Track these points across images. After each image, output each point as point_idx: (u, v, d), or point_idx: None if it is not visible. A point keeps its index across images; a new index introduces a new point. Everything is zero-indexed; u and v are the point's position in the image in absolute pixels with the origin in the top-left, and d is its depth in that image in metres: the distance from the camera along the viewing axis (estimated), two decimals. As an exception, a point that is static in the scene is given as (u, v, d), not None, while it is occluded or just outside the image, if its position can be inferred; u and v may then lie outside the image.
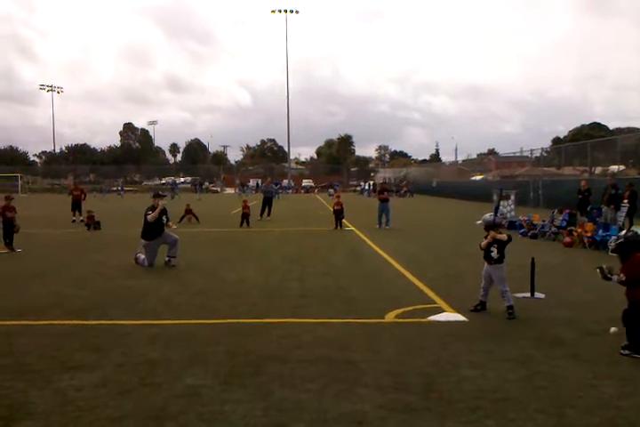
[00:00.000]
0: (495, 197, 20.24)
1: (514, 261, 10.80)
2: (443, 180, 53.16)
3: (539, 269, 7.62)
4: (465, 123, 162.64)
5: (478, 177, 46.91)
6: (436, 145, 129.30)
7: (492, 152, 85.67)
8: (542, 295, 7.53)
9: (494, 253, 6.55)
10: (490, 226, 6.66)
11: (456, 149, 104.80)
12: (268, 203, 22.84)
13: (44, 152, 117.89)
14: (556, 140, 70.11)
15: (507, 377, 4.50)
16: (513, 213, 20.82)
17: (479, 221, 6.98)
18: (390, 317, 6.46)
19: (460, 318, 6.43)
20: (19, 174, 72.38)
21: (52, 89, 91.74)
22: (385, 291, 8.08)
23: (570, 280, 9.01)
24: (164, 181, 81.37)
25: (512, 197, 21.91)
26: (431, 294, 7.71)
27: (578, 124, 76.40)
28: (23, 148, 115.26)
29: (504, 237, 6.52)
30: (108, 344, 5.44)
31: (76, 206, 20.99)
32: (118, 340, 5.60)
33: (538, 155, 33.88)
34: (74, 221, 20.45)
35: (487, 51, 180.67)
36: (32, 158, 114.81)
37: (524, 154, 38.26)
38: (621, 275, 5.13)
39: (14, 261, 11.34)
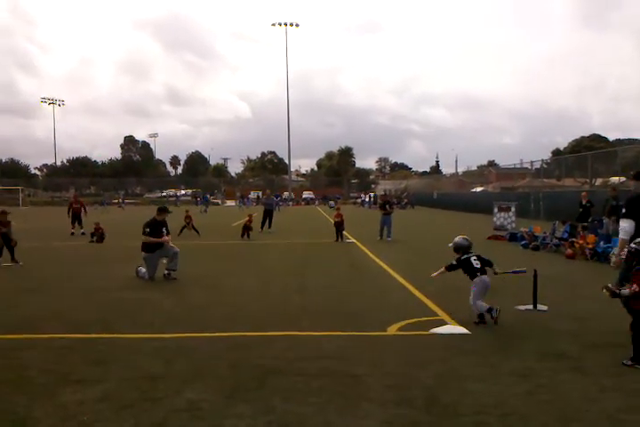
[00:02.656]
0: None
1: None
2: (443, 191, 53.24)
3: (541, 281, 7.60)
4: (464, 134, 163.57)
5: (479, 189, 47.01)
6: (436, 157, 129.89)
7: (492, 164, 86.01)
8: (545, 308, 7.50)
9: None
10: (458, 248, 7.03)
11: (456, 161, 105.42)
12: (268, 215, 22.86)
13: (44, 165, 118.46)
14: (557, 152, 70.26)
15: (511, 391, 4.47)
16: (514, 225, 20.83)
17: (450, 244, 7.06)
18: (392, 329, 6.44)
19: (462, 330, 6.40)
20: (20, 187, 72.59)
21: (53, 102, 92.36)
22: (387, 303, 8.05)
23: (573, 292, 8.98)
24: (164, 194, 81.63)
25: (512, 209, 21.93)
26: (433, 307, 7.69)
27: (577, 136, 76.58)
28: (24, 160, 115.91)
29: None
30: (110, 358, 5.41)
31: (76, 219, 20.99)
32: (119, 353, 5.57)
33: (538, 166, 33.97)
34: (72, 233, 20.45)
35: (486, 62, 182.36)
36: (33, 171, 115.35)
37: (524, 165, 38.40)
38: (634, 286, 4.93)
39: (15, 274, 11.32)
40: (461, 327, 6.49)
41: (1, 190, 79.61)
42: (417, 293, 8.80)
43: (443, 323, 6.72)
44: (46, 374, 4.91)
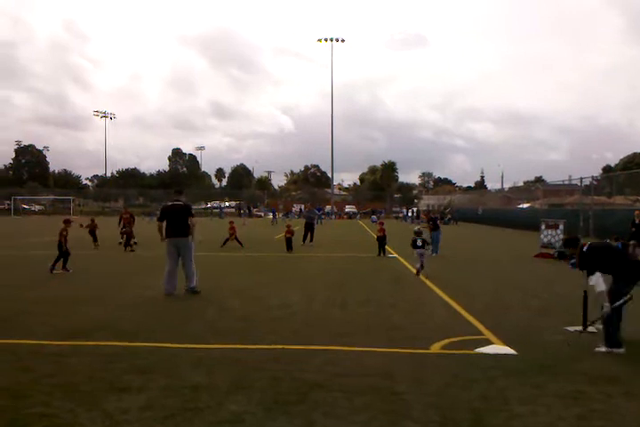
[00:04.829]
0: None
1: (564, 293, 10.49)
2: (488, 207, 52.34)
3: (591, 301, 7.34)
4: (510, 150, 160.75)
5: (525, 205, 46.01)
6: (481, 172, 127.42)
7: (539, 180, 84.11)
8: (595, 329, 7.23)
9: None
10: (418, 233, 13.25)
11: (502, 176, 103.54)
12: (309, 228, 22.94)
13: (95, 176, 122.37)
14: (607, 169, 68.33)
15: (559, 414, 4.30)
16: (561, 243, 20.24)
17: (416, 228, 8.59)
18: (436, 347, 6.32)
19: (508, 350, 6.23)
20: (71, 197, 75.14)
21: (105, 115, 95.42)
22: (430, 320, 7.92)
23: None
24: (209, 206, 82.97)
25: (560, 227, 21.35)
26: (478, 325, 7.52)
27: (628, 152, 74.40)
28: (76, 171, 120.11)
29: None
30: (154, 367, 5.49)
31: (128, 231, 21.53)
32: (163, 362, 5.65)
33: (587, 183, 33.03)
34: (120, 243, 20.89)
35: (532, 76, 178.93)
36: (84, 182, 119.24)
37: (573, 182, 37.40)
38: None
39: (65, 282, 11.66)
40: (507, 347, 6.32)
41: (54, 200, 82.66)
42: (461, 310, 8.63)
43: (488, 342, 6.56)
44: (93, 381, 5.01)
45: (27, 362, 5.64)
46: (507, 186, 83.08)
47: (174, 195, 10.71)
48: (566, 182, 40.10)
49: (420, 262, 13.01)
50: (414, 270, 13.45)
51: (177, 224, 10.15)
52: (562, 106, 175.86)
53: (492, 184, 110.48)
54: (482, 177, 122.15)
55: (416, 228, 14.20)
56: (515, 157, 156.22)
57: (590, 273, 6.43)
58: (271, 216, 55.49)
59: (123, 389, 4.81)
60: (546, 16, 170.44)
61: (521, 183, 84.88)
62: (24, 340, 6.53)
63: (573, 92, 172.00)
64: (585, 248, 6.57)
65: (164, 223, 10.29)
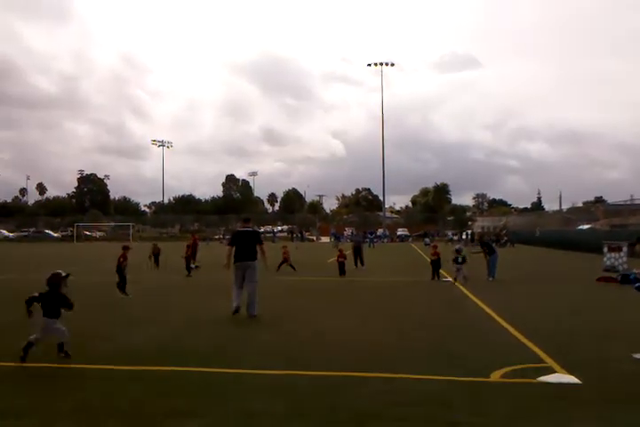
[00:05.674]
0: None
1: (630, 318, 10.03)
2: (546, 229, 50.79)
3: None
4: (567, 169, 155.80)
5: (585, 226, 44.43)
6: (538, 193, 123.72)
7: (599, 200, 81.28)
8: (666, 358, 6.86)
9: None
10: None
11: (560, 197, 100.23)
12: (357, 252, 22.90)
13: (153, 202, 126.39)
14: (672, 187, 65.28)
15: (631, 450, 4.09)
16: (626, 266, 19.42)
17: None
18: (496, 375, 6.13)
19: (573, 379, 5.97)
20: (131, 224, 77.74)
21: (162, 144, 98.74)
22: (488, 347, 7.71)
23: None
24: (262, 230, 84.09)
25: (624, 249, 20.52)
26: (539, 352, 7.25)
27: (696, 170, 70.99)
28: (135, 198, 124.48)
29: None
30: (210, 392, 5.55)
31: (194, 255, 21.79)
32: (219, 388, 5.70)
33: (653, 203, 31.66)
34: (191, 267, 21.26)
35: (588, 94, 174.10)
36: (143, 208, 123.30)
37: (636, 202, 35.95)
38: None
39: (127, 306, 12.00)
40: (572, 376, 6.06)
41: (114, 226, 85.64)
42: (521, 336, 8.36)
43: (550, 371, 6.32)
44: (150, 406, 5.10)
45: (88, 386, 5.81)
46: (565, 207, 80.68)
47: (242, 222, 11.46)
48: (628, 202, 38.59)
49: (457, 275, 16.20)
50: (476, 298, 13.13)
51: (246, 249, 10.60)
52: (621, 123, 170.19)
53: (549, 205, 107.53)
54: (538, 198, 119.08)
55: (457, 246, 18.02)
56: (572, 176, 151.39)
57: None
58: (332, 239, 56.34)
59: (179, 413, 4.88)
60: (605, 32, 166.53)
61: (580, 204, 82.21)
62: (86, 365, 6.73)
63: (633, 109, 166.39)
64: None
65: (233, 249, 10.72)
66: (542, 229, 50.89)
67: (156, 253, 22.34)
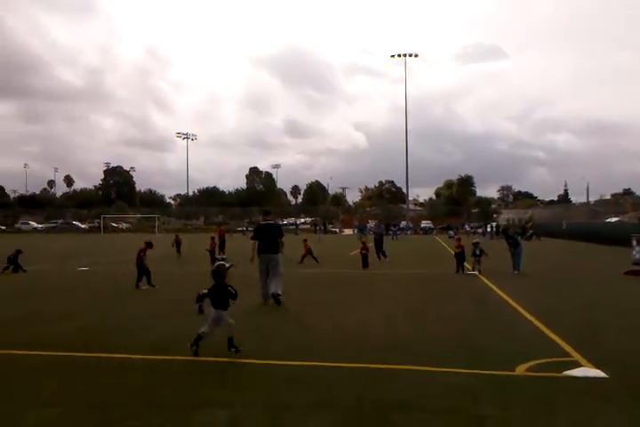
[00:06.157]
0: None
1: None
2: (573, 221, 50.03)
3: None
4: (595, 161, 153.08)
5: (614, 219, 43.66)
6: (565, 185, 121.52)
7: (627, 192, 79.72)
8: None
9: None
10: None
11: (587, 189, 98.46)
12: (378, 244, 22.94)
13: (178, 195, 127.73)
14: None
15: (659, 445, 4.07)
16: (655, 260, 19.03)
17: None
18: (521, 369, 6.11)
19: (599, 373, 5.93)
20: (156, 216, 78.73)
21: (187, 137, 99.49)
22: (514, 341, 7.68)
23: None
24: (285, 222, 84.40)
25: (654, 242, 20.10)
26: (565, 347, 7.21)
27: None
28: (160, 191, 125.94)
29: None
30: (239, 383, 5.65)
31: (222, 246, 23.07)
32: (248, 379, 5.80)
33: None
34: (216, 258, 21.83)
35: (616, 85, 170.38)
36: (168, 200, 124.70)
37: (666, 194, 35.18)
38: None
39: (152, 298, 12.20)
40: (598, 370, 6.02)
41: (140, 218, 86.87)
42: (546, 330, 8.30)
43: (576, 364, 6.28)
44: (179, 396, 5.20)
45: (117, 376, 5.96)
46: (592, 199, 79.33)
47: (264, 215, 12.20)
48: (658, 194, 37.77)
49: (475, 265, 17.24)
50: (501, 292, 13.06)
51: (269, 242, 11.16)
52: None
53: (576, 197, 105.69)
54: (565, 190, 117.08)
55: (475, 240, 18.65)
56: (600, 169, 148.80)
57: None
58: (355, 231, 56.71)
59: (208, 404, 4.97)
60: (633, 22, 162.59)
61: (608, 196, 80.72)
62: (114, 354, 6.89)
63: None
64: None
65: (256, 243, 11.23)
66: (569, 222, 50.14)
67: (178, 243, 25.45)
